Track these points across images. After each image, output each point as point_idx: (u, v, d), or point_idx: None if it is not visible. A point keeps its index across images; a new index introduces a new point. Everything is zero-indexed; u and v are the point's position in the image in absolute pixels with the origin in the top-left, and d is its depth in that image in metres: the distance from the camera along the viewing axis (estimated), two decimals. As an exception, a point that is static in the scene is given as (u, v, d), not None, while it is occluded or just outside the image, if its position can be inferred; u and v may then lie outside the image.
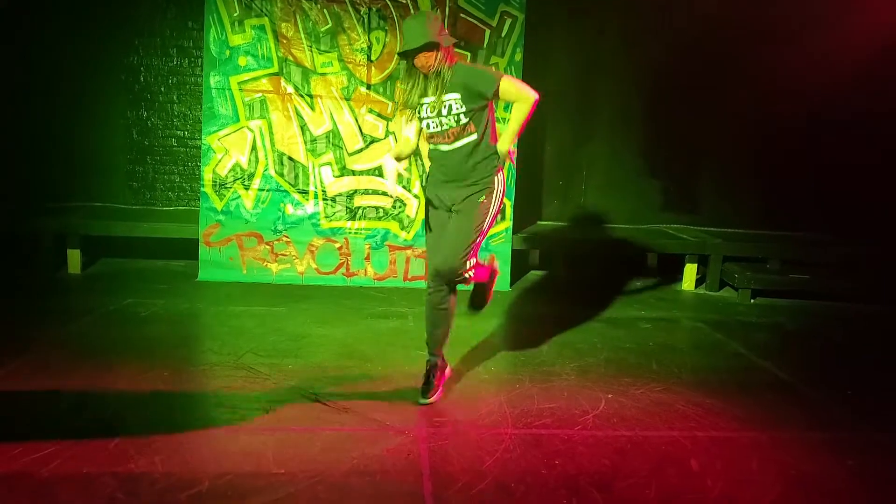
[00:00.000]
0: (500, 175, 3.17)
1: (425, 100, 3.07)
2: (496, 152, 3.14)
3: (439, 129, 3.08)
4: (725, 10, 6.13)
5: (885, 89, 6.28)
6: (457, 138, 3.07)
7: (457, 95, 2.99)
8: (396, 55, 3.05)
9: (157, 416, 2.93)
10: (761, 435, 3.03)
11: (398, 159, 3.18)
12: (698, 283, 6.07)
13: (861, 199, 6.45)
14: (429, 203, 3.29)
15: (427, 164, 3.39)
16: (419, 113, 3.13)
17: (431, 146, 3.19)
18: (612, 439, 2.90)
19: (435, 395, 3.21)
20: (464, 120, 3.02)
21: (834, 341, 4.78)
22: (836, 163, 6.49)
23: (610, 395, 3.38)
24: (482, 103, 3.04)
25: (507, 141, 3.13)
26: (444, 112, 3.03)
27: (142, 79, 5.98)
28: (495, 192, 3.15)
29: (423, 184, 3.39)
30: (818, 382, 3.79)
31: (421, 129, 3.19)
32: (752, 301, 5.66)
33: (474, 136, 3.07)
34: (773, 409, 3.35)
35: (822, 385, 3.75)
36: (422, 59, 2.98)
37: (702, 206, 6.80)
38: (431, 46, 2.95)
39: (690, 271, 6.00)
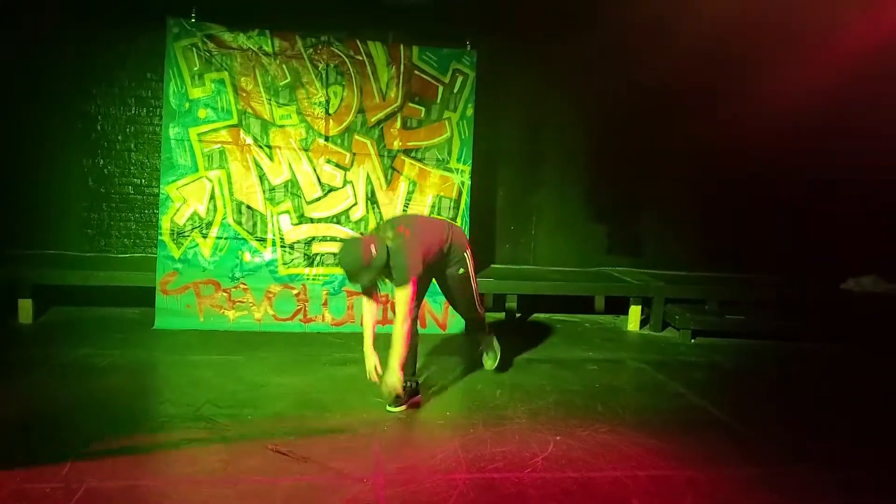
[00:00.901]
0: (467, 254, 4.25)
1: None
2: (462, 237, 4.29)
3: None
4: (664, 58, 6.51)
5: (822, 132, 6.74)
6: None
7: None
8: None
9: (115, 470, 2.96)
10: (698, 473, 3.25)
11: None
12: (643, 323, 6.37)
13: (800, 239, 6.92)
14: None
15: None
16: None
17: None
18: (560, 481, 3.07)
19: (403, 403, 3.84)
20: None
21: (768, 379, 5.08)
22: (774, 206, 6.96)
23: (558, 437, 3.56)
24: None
25: (394, 371, 3.69)
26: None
27: (99, 127, 6.05)
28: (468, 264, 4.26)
29: None
30: (753, 420, 4.04)
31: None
32: (693, 341, 5.97)
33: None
34: (709, 448, 3.58)
35: (757, 423, 4.00)
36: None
37: (645, 248, 7.17)
38: (364, 271, 3.62)
39: (635, 313, 6.30)
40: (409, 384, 3.86)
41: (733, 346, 5.92)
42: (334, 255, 5.59)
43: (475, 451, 3.33)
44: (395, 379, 3.63)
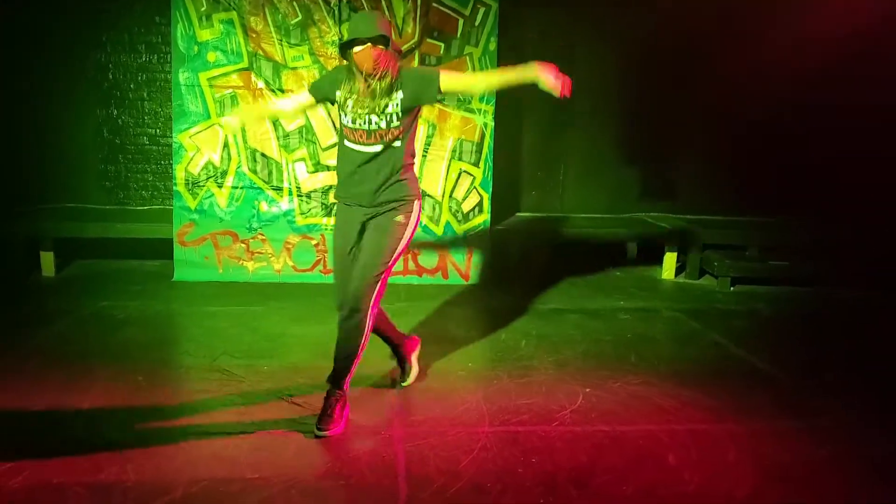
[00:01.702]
0: (418, 203, 3.02)
1: (350, 96, 2.88)
2: (414, 176, 3.04)
3: (366, 126, 2.87)
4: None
5: (863, 76, 6.29)
6: (382, 141, 2.89)
7: (400, 95, 2.86)
8: (337, 45, 2.90)
9: (130, 422, 2.88)
10: (737, 426, 3.04)
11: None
12: (678, 271, 6.08)
13: (840, 182, 6.49)
14: (342, 207, 3.06)
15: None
16: (341, 106, 2.93)
17: (348, 144, 2.94)
18: (590, 435, 2.89)
19: (334, 428, 2.82)
20: (395, 122, 2.87)
21: (812, 328, 4.80)
22: (816, 148, 6.52)
23: (588, 390, 3.37)
24: (417, 107, 2.95)
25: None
26: (379, 110, 2.85)
27: (111, 76, 5.86)
28: (413, 218, 2.99)
29: (336, 187, 3.13)
30: (794, 370, 3.80)
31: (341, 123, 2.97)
32: (732, 289, 5.68)
33: (399, 144, 2.93)
34: (748, 399, 3.36)
35: (798, 373, 3.77)
36: (365, 53, 2.77)
37: (681, 193, 6.80)
38: (381, 41, 2.78)
39: (670, 260, 6.01)
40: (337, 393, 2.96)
41: (774, 293, 5.61)
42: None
43: (499, 404, 3.16)
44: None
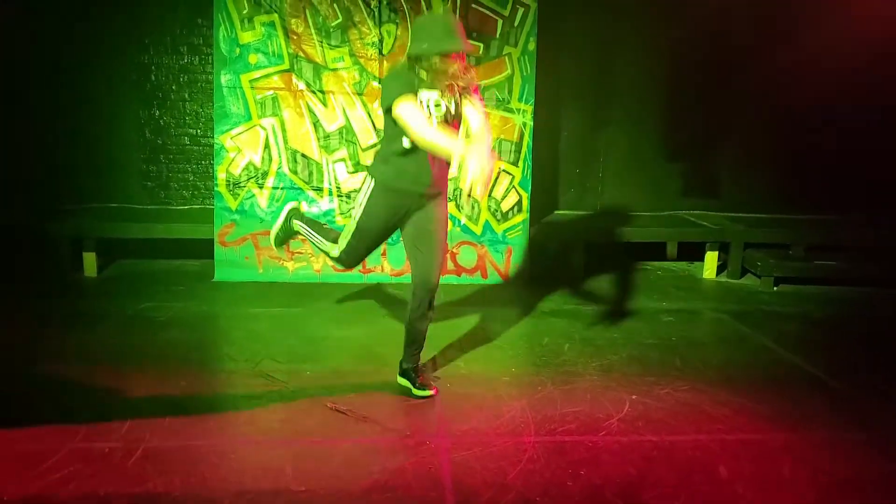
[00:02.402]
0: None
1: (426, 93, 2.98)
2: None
3: (445, 114, 3.01)
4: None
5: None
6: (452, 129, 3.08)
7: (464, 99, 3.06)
8: (415, 57, 2.96)
9: (174, 429, 2.89)
10: (792, 436, 2.95)
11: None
12: (719, 270, 5.95)
13: (887, 179, 6.28)
14: (394, 202, 3.15)
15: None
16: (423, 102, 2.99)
17: (409, 144, 2.99)
18: (638, 445, 2.83)
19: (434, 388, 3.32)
20: (458, 112, 3.08)
21: (863, 331, 4.65)
22: (862, 143, 6.31)
23: (634, 397, 3.31)
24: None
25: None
26: (455, 112, 3.04)
27: (153, 77, 5.93)
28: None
29: (383, 178, 3.17)
30: (850, 377, 3.68)
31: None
32: (776, 289, 5.54)
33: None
34: (803, 408, 3.26)
35: (855, 380, 3.65)
36: (460, 63, 2.93)
37: (722, 190, 6.66)
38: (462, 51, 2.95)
39: (711, 259, 5.89)
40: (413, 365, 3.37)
41: (821, 293, 5.46)
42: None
43: (544, 412, 3.11)
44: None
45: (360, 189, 3.27)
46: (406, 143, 3.02)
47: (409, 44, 3.14)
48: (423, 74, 2.96)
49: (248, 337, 4.10)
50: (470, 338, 4.08)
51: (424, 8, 5.21)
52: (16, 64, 5.69)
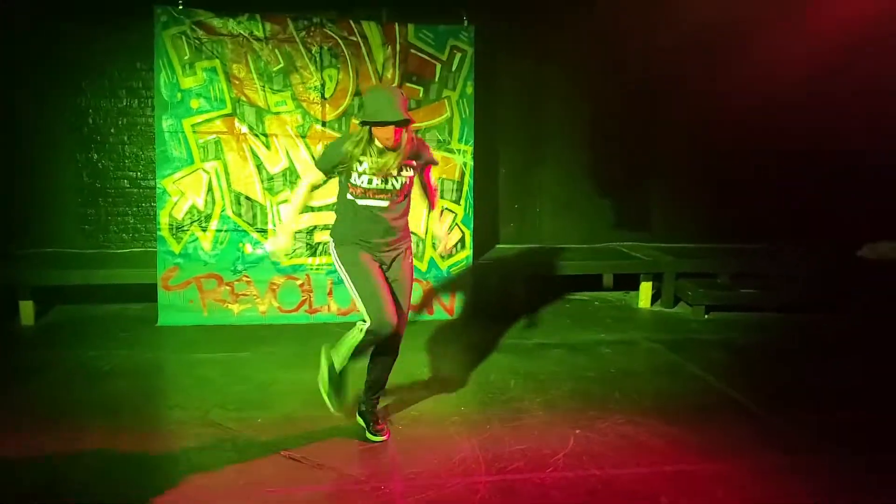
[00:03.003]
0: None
1: (364, 159, 3.14)
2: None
3: (384, 187, 3.18)
4: (663, 27, 6.28)
5: (832, 99, 6.52)
6: (397, 199, 3.25)
7: (413, 162, 3.26)
8: (359, 123, 3.16)
9: (128, 484, 2.88)
10: (724, 465, 3.17)
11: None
12: (654, 299, 6.26)
13: (807, 208, 6.76)
14: (360, 249, 3.26)
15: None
16: (354, 168, 3.15)
17: (359, 201, 3.20)
18: (584, 480, 2.99)
19: (387, 433, 3.40)
20: (407, 183, 3.26)
21: (786, 356, 4.97)
22: (780, 175, 6.79)
23: (578, 431, 3.48)
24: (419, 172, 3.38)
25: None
26: (397, 174, 3.20)
27: (91, 120, 5.88)
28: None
29: (340, 234, 3.32)
30: (775, 403, 3.95)
31: (347, 183, 3.21)
32: (706, 316, 5.87)
33: (407, 200, 3.34)
34: (733, 436, 3.49)
35: (779, 406, 3.92)
36: (388, 131, 3.05)
37: (652, 222, 7.03)
38: (405, 123, 3.08)
39: (646, 289, 6.19)
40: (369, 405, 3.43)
41: (747, 320, 5.82)
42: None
43: (493, 450, 3.24)
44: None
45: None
46: (347, 199, 3.26)
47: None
48: (364, 145, 3.15)
49: (196, 384, 4.09)
50: (419, 377, 4.18)
51: (365, 54, 5.38)
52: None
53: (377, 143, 3.12)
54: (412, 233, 3.52)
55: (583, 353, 4.78)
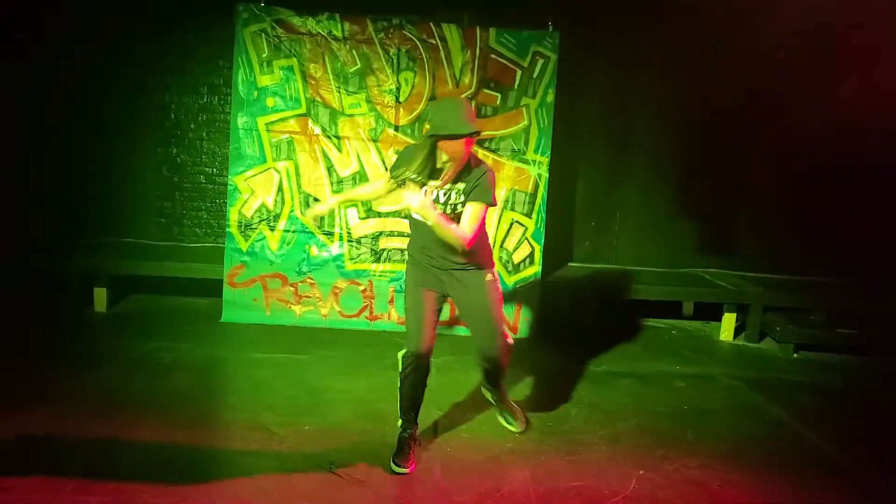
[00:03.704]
0: (492, 272, 3.30)
1: (426, 171, 3.03)
2: (488, 248, 3.37)
3: (439, 202, 3.08)
4: (761, 46, 5.88)
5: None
6: (452, 215, 3.09)
7: (461, 186, 3.05)
8: (428, 136, 3.02)
9: (167, 487, 2.81)
10: (807, 527, 2.80)
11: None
12: (737, 331, 5.80)
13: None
14: (418, 270, 3.24)
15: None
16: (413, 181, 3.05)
17: (416, 216, 3.03)
18: (644, 529, 2.70)
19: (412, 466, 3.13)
20: (460, 209, 3.07)
21: (885, 406, 4.46)
22: (887, 205, 6.19)
23: (642, 472, 3.17)
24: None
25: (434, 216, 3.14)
26: (442, 199, 3.07)
27: (172, 116, 6.00)
28: (496, 277, 3.32)
29: (409, 247, 3.35)
30: (870, 459, 3.52)
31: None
32: (795, 355, 5.38)
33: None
34: (816, 492, 3.11)
35: (875, 463, 3.48)
36: (457, 145, 2.92)
37: (739, 249, 6.53)
38: (473, 135, 2.94)
39: (729, 321, 5.75)
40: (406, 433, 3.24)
41: (842, 362, 5.29)
42: (401, 251, 5.32)
43: (547, 484, 2.99)
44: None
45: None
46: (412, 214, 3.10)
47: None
48: (430, 159, 3.03)
49: (251, 385, 4.03)
50: (475, 398, 3.97)
51: (443, 57, 5.24)
52: (36, 97, 5.78)
53: (441, 156, 3.01)
54: None
55: (655, 386, 4.44)
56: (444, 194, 3.05)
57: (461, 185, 3.05)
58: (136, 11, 5.77)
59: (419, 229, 3.14)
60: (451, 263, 3.14)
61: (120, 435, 3.23)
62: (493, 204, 3.09)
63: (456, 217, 3.05)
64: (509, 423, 3.57)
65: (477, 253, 3.17)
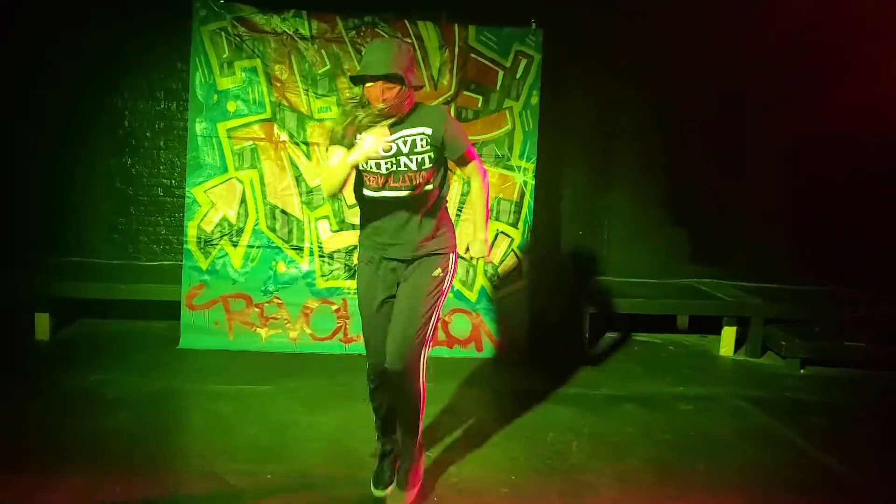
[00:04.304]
0: (454, 255, 2.78)
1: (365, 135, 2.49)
2: (451, 225, 2.82)
3: (391, 169, 2.58)
4: (762, 35, 5.55)
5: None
6: (411, 185, 2.60)
7: (427, 131, 2.55)
8: (348, 78, 2.64)
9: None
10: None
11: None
12: (737, 345, 5.44)
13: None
14: (366, 260, 2.77)
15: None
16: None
17: (368, 193, 2.65)
18: None
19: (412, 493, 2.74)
20: (427, 164, 2.58)
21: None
22: (885, 211, 5.90)
23: (656, 518, 2.77)
24: (441, 157, 2.65)
25: (482, 229, 2.74)
26: (405, 149, 2.55)
27: (126, 123, 5.51)
28: (449, 271, 2.75)
29: (360, 240, 2.86)
30: (889, 480, 3.15)
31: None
32: (802, 371, 5.02)
33: (431, 187, 2.65)
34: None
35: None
36: (376, 90, 2.47)
37: (735, 257, 6.20)
38: (394, 79, 2.46)
39: (729, 335, 5.38)
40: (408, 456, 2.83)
41: (853, 378, 4.94)
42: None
43: (550, 539, 2.57)
44: (482, 238, 2.74)
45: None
46: (363, 194, 2.70)
47: None
48: (361, 113, 2.55)
49: (207, 422, 3.55)
50: (464, 432, 3.54)
51: (419, 58, 4.83)
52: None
53: (371, 108, 2.51)
54: (460, 257, 2.87)
55: (658, 410, 4.04)
56: (404, 143, 2.54)
57: (422, 130, 2.55)
58: (85, 5, 5.26)
59: (378, 208, 2.65)
60: (411, 249, 2.64)
61: (46, 485, 2.74)
62: (474, 156, 2.71)
63: (420, 174, 2.57)
64: (380, 486, 2.80)
65: (443, 230, 2.73)
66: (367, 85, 2.50)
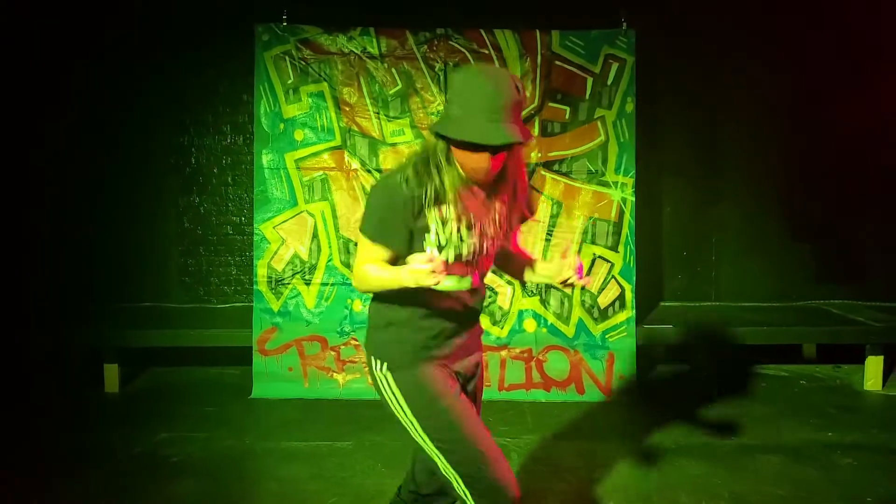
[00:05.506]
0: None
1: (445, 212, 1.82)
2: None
3: (471, 250, 1.85)
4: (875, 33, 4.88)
5: None
6: (483, 269, 1.99)
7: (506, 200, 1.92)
8: (434, 133, 1.78)
9: None
10: None
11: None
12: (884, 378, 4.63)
13: None
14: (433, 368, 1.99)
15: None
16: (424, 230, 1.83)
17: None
18: None
19: None
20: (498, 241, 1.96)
21: None
22: None
23: None
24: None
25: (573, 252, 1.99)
26: (487, 224, 1.87)
27: (193, 160, 5.28)
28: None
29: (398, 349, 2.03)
30: None
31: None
32: (975, 409, 4.19)
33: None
34: None
35: None
36: (483, 162, 1.74)
37: (867, 274, 5.39)
38: (517, 145, 1.76)
39: (875, 365, 4.58)
40: None
41: None
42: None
43: None
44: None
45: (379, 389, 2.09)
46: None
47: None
48: (437, 175, 1.79)
49: (278, 493, 3.11)
50: (564, 495, 2.96)
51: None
52: (33, 141, 5.08)
53: (453, 171, 1.79)
54: (551, 286, 2.32)
55: (811, 464, 3.34)
56: (490, 220, 1.88)
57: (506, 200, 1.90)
58: (143, 44, 5.09)
59: (438, 311, 1.93)
60: (469, 348, 2.07)
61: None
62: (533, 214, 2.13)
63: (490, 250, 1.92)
64: None
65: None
66: (466, 152, 1.74)
